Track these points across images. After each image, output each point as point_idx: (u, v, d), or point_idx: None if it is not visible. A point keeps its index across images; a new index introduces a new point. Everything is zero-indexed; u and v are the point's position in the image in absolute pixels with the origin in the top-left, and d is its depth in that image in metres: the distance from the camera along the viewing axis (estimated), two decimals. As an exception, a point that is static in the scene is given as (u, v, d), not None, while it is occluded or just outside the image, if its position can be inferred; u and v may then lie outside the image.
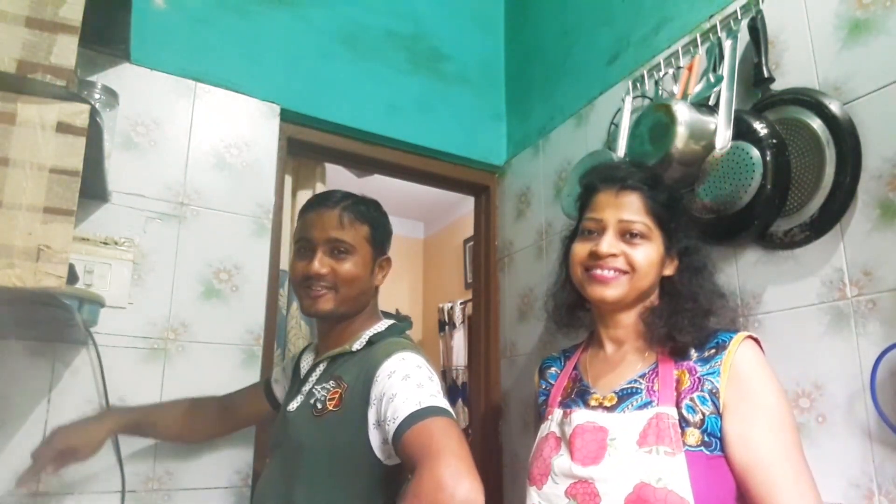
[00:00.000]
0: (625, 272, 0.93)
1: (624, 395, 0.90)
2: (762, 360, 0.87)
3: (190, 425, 1.28)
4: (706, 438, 0.83)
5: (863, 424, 0.94)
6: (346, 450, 0.98)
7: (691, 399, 0.85)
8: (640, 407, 0.87)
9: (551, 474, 0.90)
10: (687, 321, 0.89)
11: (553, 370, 1.10)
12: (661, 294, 0.99)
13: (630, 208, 0.94)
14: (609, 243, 0.92)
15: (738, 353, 0.86)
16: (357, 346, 1.08)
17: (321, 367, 1.12)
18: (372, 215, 1.15)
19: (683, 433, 0.82)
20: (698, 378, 0.86)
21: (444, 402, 0.89)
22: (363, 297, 1.12)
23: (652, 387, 0.89)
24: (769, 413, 0.83)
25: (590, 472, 0.85)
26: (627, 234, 0.93)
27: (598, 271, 0.93)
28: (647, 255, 0.92)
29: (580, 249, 0.97)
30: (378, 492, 0.99)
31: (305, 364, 1.18)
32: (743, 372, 0.85)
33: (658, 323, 0.92)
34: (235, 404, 1.32)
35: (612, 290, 0.92)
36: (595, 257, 0.93)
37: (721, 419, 0.84)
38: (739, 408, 0.83)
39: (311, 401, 1.06)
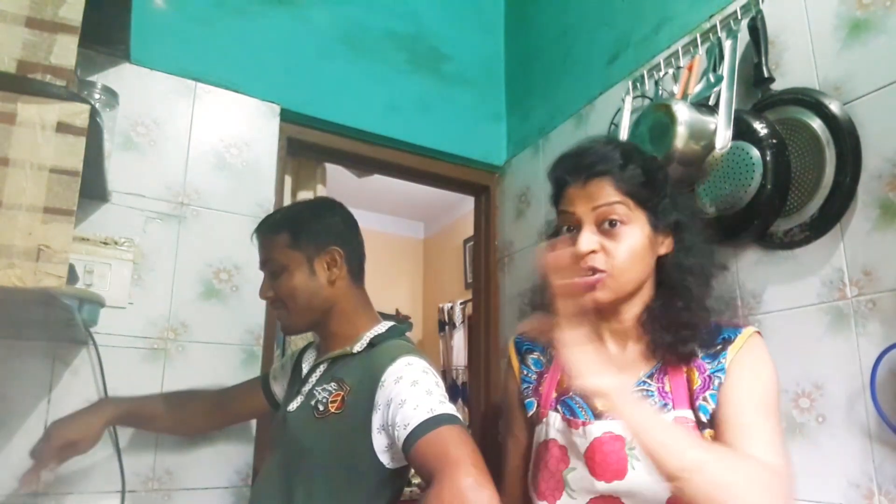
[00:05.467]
0: (604, 271, 0.85)
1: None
2: (764, 354, 0.85)
3: (183, 418, 1.28)
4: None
5: (863, 424, 0.94)
6: (347, 452, 0.98)
7: (704, 399, 0.83)
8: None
9: (566, 490, 0.86)
10: (689, 332, 0.85)
11: (535, 356, 1.01)
12: (658, 279, 0.92)
13: (603, 195, 0.86)
14: (586, 240, 0.85)
15: (745, 348, 0.84)
16: (358, 347, 1.07)
17: (321, 367, 1.12)
18: (289, 221, 1.11)
19: (702, 435, 0.81)
20: (708, 376, 0.84)
21: (453, 409, 0.90)
22: (317, 301, 1.09)
23: (663, 388, 0.86)
24: (754, 384, 0.81)
25: (615, 488, 0.82)
26: (606, 223, 0.85)
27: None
28: (629, 245, 0.85)
29: None
30: (379, 494, 0.99)
31: (306, 364, 1.18)
32: (743, 360, 0.83)
33: (660, 331, 0.87)
34: (231, 400, 1.31)
35: (601, 293, 0.86)
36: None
37: None
38: (730, 382, 0.82)
39: (312, 402, 1.06)
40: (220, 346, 1.43)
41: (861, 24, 1.01)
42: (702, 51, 1.27)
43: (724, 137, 1.08)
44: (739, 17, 1.18)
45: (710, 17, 1.27)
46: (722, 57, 1.18)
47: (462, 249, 4.02)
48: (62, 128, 0.77)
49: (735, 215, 1.07)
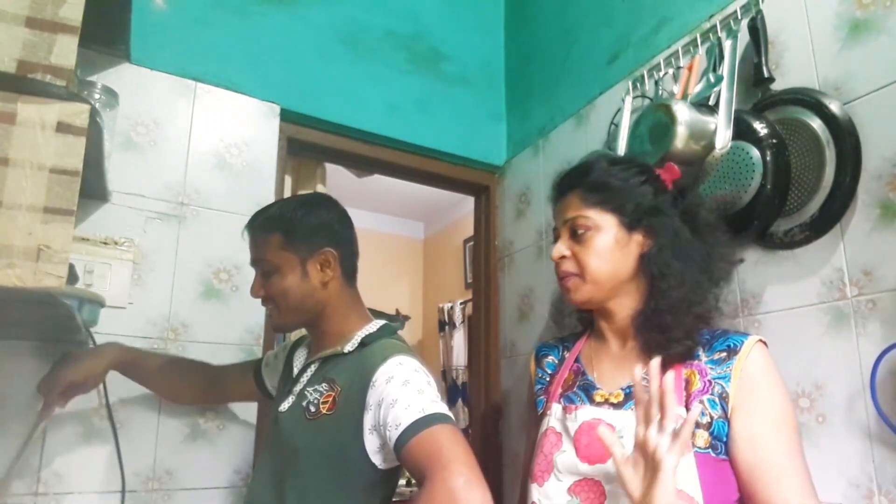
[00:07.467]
0: (576, 274, 0.95)
1: (631, 393, 0.89)
2: (772, 365, 0.87)
3: (177, 386, 1.29)
4: (713, 441, 0.83)
5: (863, 424, 0.94)
6: (340, 453, 0.98)
7: (701, 402, 0.84)
8: None
9: (554, 471, 0.89)
10: (681, 331, 0.88)
11: (550, 359, 1.08)
12: (646, 279, 0.95)
13: (570, 207, 0.97)
14: (557, 248, 0.97)
15: (751, 358, 0.85)
16: (349, 347, 1.06)
17: (312, 367, 1.11)
18: (282, 220, 1.09)
19: (693, 434, 0.82)
20: (709, 381, 0.86)
21: (444, 408, 0.90)
22: (309, 302, 1.08)
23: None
24: (776, 414, 0.83)
25: (597, 470, 0.85)
26: (576, 232, 0.96)
27: (562, 279, 0.98)
28: (595, 247, 0.94)
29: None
30: (371, 495, 0.99)
31: (298, 362, 1.17)
32: (754, 375, 0.84)
33: (649, 332, 0.91)
34: (224, 381, 1.32)
35: (574, 294, 0.96)
36: (556, 264, 0.98)
37: (728, 422, 0.83)
38: (748, 408, 0.83)
39: (304, 403, 1.05)
40: (220, 345, 1.43)
41: (861, 24, 1.01)
42: (702, 51, 1.27)
43: (724, 137, 1.08)
44: (739, 17, 1.18)
45: (710, 17, 1.27)
46: (722, 57, 1.18)
47: (462, 249, 4.02)
48: (62, 128, 0.77)
49: (735, 215, 1.07)
